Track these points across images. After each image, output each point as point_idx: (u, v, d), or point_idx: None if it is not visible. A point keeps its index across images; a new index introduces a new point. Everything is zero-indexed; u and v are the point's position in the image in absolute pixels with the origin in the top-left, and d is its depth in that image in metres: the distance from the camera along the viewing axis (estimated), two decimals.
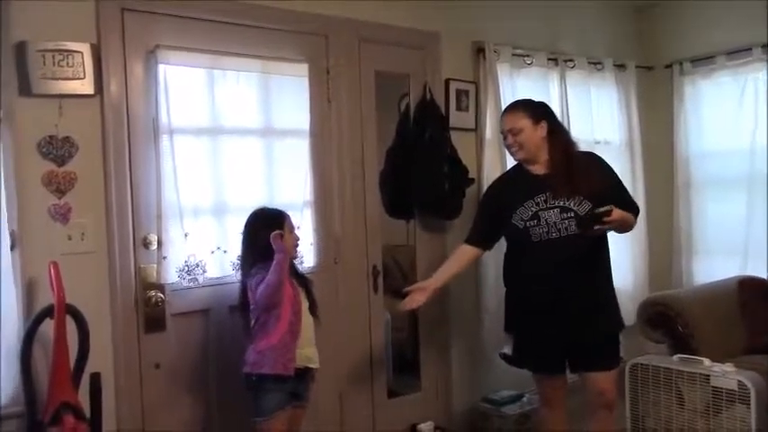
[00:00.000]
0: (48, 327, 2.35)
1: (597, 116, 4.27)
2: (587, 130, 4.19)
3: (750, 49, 4.11)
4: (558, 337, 2.78)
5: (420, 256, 3.66)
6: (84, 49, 2.57)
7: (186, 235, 2.77)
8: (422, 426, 3.53)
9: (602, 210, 2.61)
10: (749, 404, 2.82)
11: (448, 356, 3.73)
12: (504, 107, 3.75)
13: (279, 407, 2.55)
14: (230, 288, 2.90)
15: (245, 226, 2.68)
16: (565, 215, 2.71)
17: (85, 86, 2.58)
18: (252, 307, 2.57)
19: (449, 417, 3.67)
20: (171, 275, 2.74)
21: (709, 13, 4.35)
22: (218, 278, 2.87)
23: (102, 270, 2.65)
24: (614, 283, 2.93)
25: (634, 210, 2.86)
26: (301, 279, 2.74)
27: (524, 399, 3.73)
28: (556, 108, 4.07)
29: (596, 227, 2.63)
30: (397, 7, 3.48)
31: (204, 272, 2.82)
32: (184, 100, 2.79)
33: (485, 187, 3.76)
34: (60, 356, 2.33)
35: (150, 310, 2.74)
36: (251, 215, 2.70)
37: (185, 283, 2.78)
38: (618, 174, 2.96)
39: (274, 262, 2.47)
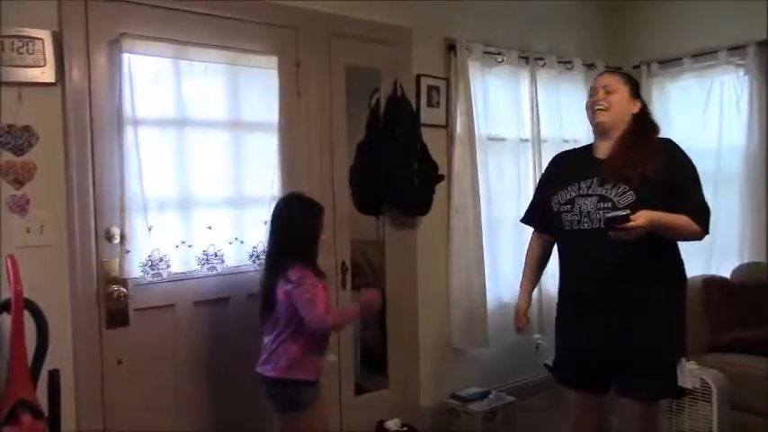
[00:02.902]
0: (5, 322, 2.27)
1: (566, 115, 4.28)
2: (556, 128, 4.22)
3: (716, 51, 4.17)
4: (587, 348, 2.41)
5: (389, 253, 3.64)
6: (46, 36, 2.49)
7: (150, 228, 2.71)
8: (389, 423, 3.51)
9: (614, 214, 2.19)
10: (711, 402, 2.86)
11: (416, 353, 3.72)
12: (474, 104, 3.80)
13: (315, 400, 2.57)
14: (195, 283, 2.89)
15: (279, 212, 2.60)
16: (602, 204, 2.32)
17: (46, 75, 2.51)
18: (281, 306, 2.51)
19: (416, 413, 3.66)
20: (134, 270, 2.68)
21: (677, 14, 4.41)
22: (182, 273, 2.82)
23: (63, 263, 2.58)
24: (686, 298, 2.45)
25: (697, 215, 2.30)
26: (320, 274, 2.61)
27: (491, 396, 3.74)
28: (526, 106, 4.11)
29: (610, 232, 2.18)
30: (369, 2, 3.45)
31: (168, 266, 2.77)
32: (149, 91, 2.73)
33: (454, 185, 3.79)
34: (17, 352, 2.24)
35: (112, 304, 2.67)
36: (288, 200, 2.63)
37: (149, 278, 2.73)
38: (695, 166, 2.40)
39: (354, 312, 2.61)
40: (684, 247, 2.44)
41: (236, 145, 2.98)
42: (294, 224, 2.58)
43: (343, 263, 3.42)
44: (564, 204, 2.43)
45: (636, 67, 4.54)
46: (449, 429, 3.68)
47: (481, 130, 3.85)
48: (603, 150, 2.45)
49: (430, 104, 3.72)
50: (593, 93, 2.49)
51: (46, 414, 2.30)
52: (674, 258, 2.43)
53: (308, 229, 2.56)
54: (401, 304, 3.66)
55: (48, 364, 2.35)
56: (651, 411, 2.46)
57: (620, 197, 2.31)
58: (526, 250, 2.73)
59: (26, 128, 2.48)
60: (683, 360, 2.38)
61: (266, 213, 3.02)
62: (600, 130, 2.47)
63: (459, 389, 3.78)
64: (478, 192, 3.78)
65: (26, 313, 2.28)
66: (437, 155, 3.67)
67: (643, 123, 2.45)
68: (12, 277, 2.26)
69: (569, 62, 4.34)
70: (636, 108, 2.45)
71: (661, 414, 2.55)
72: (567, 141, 4.24)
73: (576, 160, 2.56)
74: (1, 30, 2.35)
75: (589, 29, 4.62)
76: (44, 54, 2.49)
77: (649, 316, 2.33)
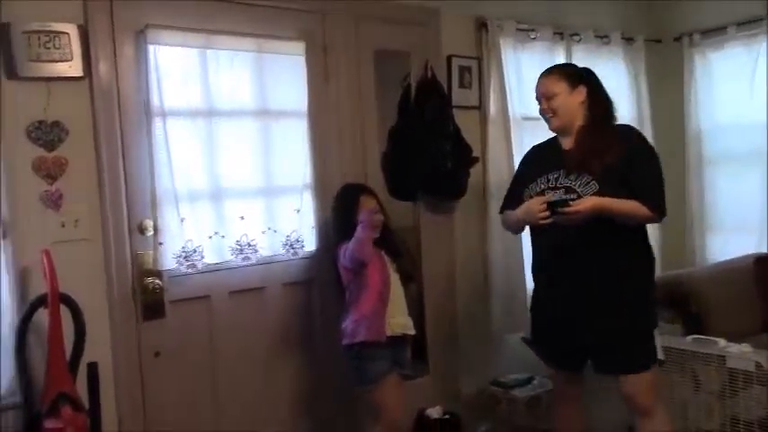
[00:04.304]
0: (43, 317, 2.29)
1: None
2: None
3: (762, 18, 3.97)
4: (569, 332, 2.54)
5: (425, 238, 3.58)
6: (71, 29, 2.48)
7: (183, 220, 2.70)
8: (430, 410, 3.45)
9: (554, 199, 2.39)
10: (766, 385, 2.74)
11: (456, 339, 3.66)
12: (507, 84, 3.70)
13: (385, 373, 2.71)
14: (229, 273, 2.87)
15: (332, 204, 2.93)
16: (568, 196, 2.44)
17: (74, 69, 2.50)
18: (344, 281, 2.77)
19: (458, 401, 3.60)
20: (168, 261, 2.68)
21: None
22: (216, 264, 2.81)
23: (98, 257, 2.58)
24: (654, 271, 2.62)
25: (648, 200, 2.41)
26: (392, 250, 2.85)
27: (535, 381, 3.65)
28: None
29: (553, 217, 2.37)
30: None
31: (202, 257, 2.75)
32: (177, 81, 2.71)
33: (489, 166, 3.71)
34: (55, 346, 2.27)
35: (148, 297, 2.67)
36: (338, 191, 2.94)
37: (183, 269, 2.72)
38: (655, 150, 2.55)
39: (359, 222, 2.68)
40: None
41: (265, 133, 2.95)
42: (336, 209, 2.92)
43: None
44: (535, 197, 2.53)
45: (677, 39, 4.38)
46: (491, 416, 3.61)
47: (515, 109, 3.74)
48: (568, 143, 2.58)
49: (462, 85, 3.63)
50: (538, 101, 2.62)
51: (86, 406, 2.33)
52: (642, 236, 2.56)
53: (347, 210, 2.81)
54: (439, 290, 3.60)
55: (86, 357, 2.38)
56: (652, 376, 2.53)
57: (584, 187, 2.43)
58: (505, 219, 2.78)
59: (56, 123, 2.48)
60: (656, 332, 2.54)
61: (298, 202, 3.01)
62: (557, 132, 2.61)
63: (501, 375, 3.71)
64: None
65: (63, 308, 2.31)
66: (471, 137, 3.59)
67: (595, 106, 2.54)
68: (48, 272, 2.28)
69: (606, 37, 4.19)
70: (581, 96, 2.54)
71: (655, 384, 2.57)
72: None
73: (545, 153, 2.67)
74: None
75: (627, 0, 4.46)
76: (71, 48, 2.48)
77: (620, 293, 2.47)
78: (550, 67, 2.71)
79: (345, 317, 2.77)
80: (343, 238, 2.76)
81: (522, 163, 2.82)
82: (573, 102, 2.54)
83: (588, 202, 2.36)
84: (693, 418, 2.95)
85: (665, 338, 3.10)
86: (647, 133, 4.32)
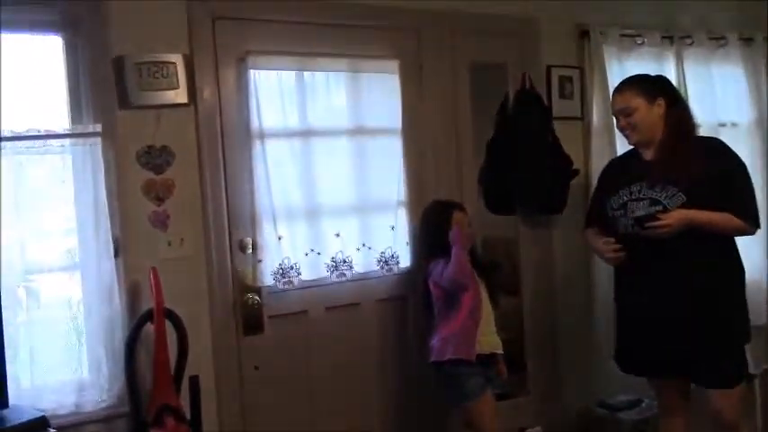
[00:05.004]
0: (150, 330, 2.43)
1: (721, 97, 3.90)
2: (710, 112, 3.82)
3: None
4: (654, 341, 2.50)
5: (524, 253, 3.50)
6: (178, 59, 2.63)
7: (280, 238, 2.79)
8: (530, 430, 3.37)
9: (643, 213, 2.38)
10: None
11: (557, 358, 3.55)
12: (611, 93, 3.54)
13: (481, 389, 2.72)
14: (325, 290, 2.93)
15: (419, 219, 2.95)
16: (653, 208, 2.41)
17: (180, 96, 2.64)
18: (434, 298, 2.77)
19: (559, 421, 3.49)
20: (267, 278, 2.77)
21: None
22: (312, 280, 2.87)
23: (201, 274, 2.70)
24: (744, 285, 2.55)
25: (742, 211, 2.41)
26: (482, 270, 2.86)
27: (643, 404, 3.47)
28: None
29: (643, 231, 2.37)
30: None
31: (299, 274, 2.83)
32: (275, 104, 2.81)
33: (593, 179, 3.57)
34: (160, 359, 2.41)
35: (248, 312, 2.77)
36: (426, 207, 2.94)
37: (281, 286, 2.80)
38: (745, 162, 2.53)
39: (454, 250, 2.69)
40: None
41: (360, 152, 3.00)
42: (425, 225, 2.92)
43: None
44: (617, 210, 2.51)
45: None
46: None
47: None
48: (649, 154, 2.53)
49: (562, 96, 3.53)
50: (616, 118, 2.59)
51: (188, 418, 2.44)
52: (730, 249, 2.50)
53: (435, 229, 2.82)
54: (539, 305, 3.51)
55: (189, 371, 2.50)
56: (739, 392, 2.49)
57: (671, 199, 2.39)
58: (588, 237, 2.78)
59: (164, 147, 2.63)
60: (748, 346, 2.49)
61: (393, 219, 3.02)
62: (640, 146, 2.57)
63: (608, 396, 3.55)
64: None
65: (168, 323, 2.44)
66: (573, 148, 3.47)
67: (676, 118, 2.48)
68: (154, 288, 2.42)
69: (722, 38, 3.93)
70: (661, 108, 2.49)
71: (742, 399, 2.53)
72: (723, 125, 3.88)
73: (626, 165, 2.65)
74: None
75: None
76: (177, 77, 2.62)
77: (710, 306, 2.41)
78: (625, 81, 2.64)
79: (433, 334, 2.77)
80: (433, 255, 2.76)
81: (603, 176, 2.79)
82: (653, 116, 2.48)
83: (678, 215, 2.34)
84: None
85: None
86: None
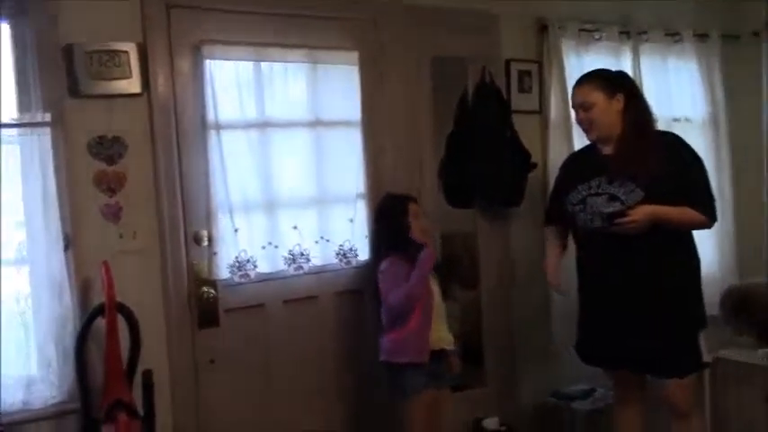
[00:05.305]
0: (102, 325, 2.39)
1: (676, 92, 3.98)
2: (664, 106, 3.88)
3: None
4: (614, 334, 2.56)
5: (482, 246, 3.52)
6: (131, 48, 2.57)
7: (236, 230, 2.76)
8: (487, 421, 3.41)
9: (612, 210, 2.41)
10: None
11: (513, 349, 3.59)
12: (569, 87, 3.58)
13: (420, 388, 2.69)
14: (282, 283, 2.91)
15: (373, 212, 2.92)
16: (611, 203, 2.45)
17: (133, 85, 2.59)
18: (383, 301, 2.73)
19: (515, 412, 3.53)
20: (222, 271, 2.74)
21: None
22: (269, 273, 2.85)
23: (155, 267, 2.66)
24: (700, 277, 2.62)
25: (700, 205, 2.47)
26: (436, 267, 2.83)
27: (597, 393, 3.53)
28: None
29: (611, 227, 2.41)
30: None
31: (255, 267, 2.81)
32: (231, 94, 2.77)
33: (551, 172, 3.60)
34: (112, 354, 2.37)
35: (203, 306, 2.73)
36: (379, 201, 2.89)
37: (237, 279, 2.78)
38: (701, 157, 2.58)
39: (417, 273, 2.64)
40: None
41: (318, 144, 2.97)
42: (379, 220, 2.89)
43: None
44: (576, 204, 2.54)
45: (756, 33, 4.13)
46: (550, 429, 3.52)
47: None
48: (608, 149, 2.56)
49: (521, 90, 3.55)
50: (575, 111, 2.63)
51: (141, 413, 2.41)
52: (687, 242, 2.55)
53: (393, 222, 2.79)
54: (496, 299, 3.54)
55: (143, 365, 2.46)
56: (691, 381, 2.58)
57: (629, 195, 2.42)
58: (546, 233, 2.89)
59: (116, 138, 2.58)
60: (702, 334, 2.53)
61: (351, 211, 3.02)
62: (597, 142, 2.60)
63: (562, 386, 3.61)
64: None
65: (120, 317, 2.40)
66: (532, 142, 3.50)
67: (635, 114, 2.51)
68: (105, 282, 2.37)
69: (677, 34, 4.00)
70: (620, 104, 2.51)
71: (696, 388, 2.68)
72: (677, 120, 3.95)
73: (585, 160, 2.67)
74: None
75: None
76: (129, 66, 2.57)
77: (667, 298, 2.47)
78: (585, 75, 2.66)
79: (383, 333, 2.75)
80: (391, 249, 2.75)
81: (562, 171, 2.81)
82: (611, 111, 2.50)
83: (643, 211, 2.36)
84: None
85: (735, 352, 2.96)
86: (722, 134, 4.14)
